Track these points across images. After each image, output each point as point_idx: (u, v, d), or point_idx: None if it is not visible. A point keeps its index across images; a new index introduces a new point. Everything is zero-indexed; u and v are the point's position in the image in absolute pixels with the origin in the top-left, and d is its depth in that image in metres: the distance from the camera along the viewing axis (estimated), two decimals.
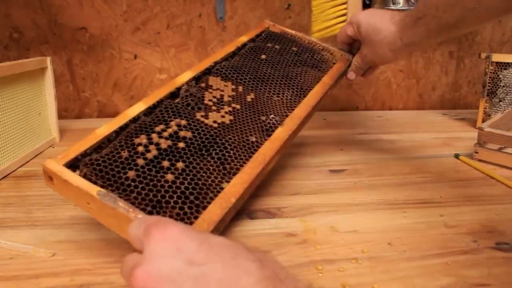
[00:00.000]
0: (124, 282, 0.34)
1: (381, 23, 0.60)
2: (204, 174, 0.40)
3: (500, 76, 0.84)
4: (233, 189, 0.39)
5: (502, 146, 0.66)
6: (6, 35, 0.87)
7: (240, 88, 0.53)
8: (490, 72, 0.84)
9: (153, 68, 0.93)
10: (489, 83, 0.85)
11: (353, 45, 0.68)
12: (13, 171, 0.59)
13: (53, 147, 0.71)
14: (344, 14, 0.72)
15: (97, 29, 0.89)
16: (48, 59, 0.69)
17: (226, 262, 0.24)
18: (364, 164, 0.64)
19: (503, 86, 0.84)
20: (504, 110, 0.84)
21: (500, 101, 0.85)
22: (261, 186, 0.55)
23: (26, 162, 0.63)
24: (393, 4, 0.76)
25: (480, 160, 0.65)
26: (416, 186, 0.56)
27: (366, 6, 0.75)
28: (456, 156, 0.67)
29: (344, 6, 0.72)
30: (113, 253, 0.39)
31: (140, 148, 0.40)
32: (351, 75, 0.67)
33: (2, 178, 0.57)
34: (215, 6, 0.90)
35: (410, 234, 0.43)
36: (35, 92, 0.67)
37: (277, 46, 0.64)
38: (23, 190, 0.54)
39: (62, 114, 0.91)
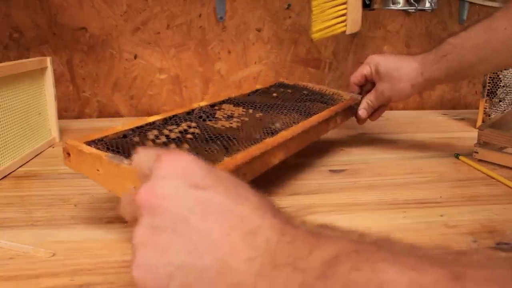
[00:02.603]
0: (124, 282, 0.34)
1: (402, 61, 0.63)
2: (206, 152, 0.43)
3: (500, 76, 0.84)
4: (232, 161, 0.42)
5: (502, 146, 0.66)
6: (6, 35, 0.87)
7: (250, 111, 0.57)
8: (490, 72, 0.84)
9: (153, 68, 0.93)
10: (489, 83, 0.85)
11: (364, 87, 0.70)
12: (13, 171, 0.59)
13: (53, 147, 0.71)
14: (344, 14, 0.72)
15: (97, 29, 0.89)
16: (48, 59, 0.69)
17: (229, 189, 0.25)
18: (364, 164, 0.64)
19: (503, 86, 0.84)
20: (504, 110, 0.84)
21: (500, 101, 0.85)
22: (261, 186, 0.55)
23: (26, 162, 0.63)
24: (393, 4, 0.76)
25: (480, 160, 0.65)
26: (416, 186, 0.56)
27: (366, 6, 0.75)
28: (456, 156, 0.67)
29: (344, 6, 0.72)
30: (113, 253, 0.39)
31: (151, 136, 0.45)
32: (362, 112, 0.68)
33: (2, 178, 0.57)
34: (215, 6, 0.90)
35: (410, 234, 0.43)
36: (35, 92, 0.67)
37: (289, 90, 0.70)
38: (23, 190, 0.54)
39: (62, 114, 0.91)
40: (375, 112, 0.70)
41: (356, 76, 0.69)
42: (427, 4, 0.75)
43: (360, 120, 0.70)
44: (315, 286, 0.20)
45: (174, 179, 0.25)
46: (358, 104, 0.69)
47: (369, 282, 0.18)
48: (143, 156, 0.29)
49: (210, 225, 0.23)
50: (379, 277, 0.18)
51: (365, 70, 0.68)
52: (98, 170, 0.39)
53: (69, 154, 0.44)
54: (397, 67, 0.63)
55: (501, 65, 0.60)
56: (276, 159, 0.49)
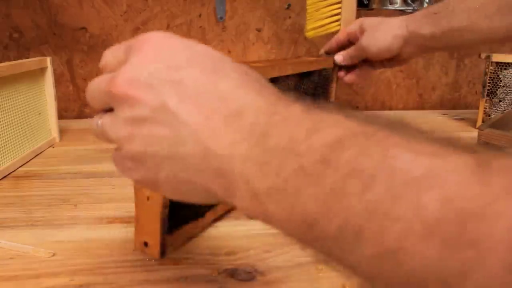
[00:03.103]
0: (124, 282, 0.34)
1: (389, 18, 0.60)
2: None
3: (500, 76, 0.84)
4: None
5: (502, 146, 0.66)
6: (6, 35, 0.87)
7: None
8: (490, 72, 0.84)
9: None
10: (489, 83, 0.85)
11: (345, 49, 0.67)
12: (13, 171, 0.59)
13: (53, 147, 0.71)
14: (338, 13, 0.72)
15: (97, 29, 0.89)
16: (48, 59, 0.69)
17: (206, 68, 0.23)
18: None
19: (503, 86, 0.84)
20: (504, 110, 0.84)
21: (500, 101, 0.85)
22: None
23: (26, 162, 0.63)
24: (390, 4, 0.76)
25: None
26: None
27: (363, 5, 0.75)
28: None
29: (339, 5, 0.72)
30: (113, 253, 0.39)
31: None
32: (338, 57, 0.64)
33: (2, 178, 0.57)
34: (215, 6, 0.90)
35: None
36: (35, 92, 0.67)
37: None
38: (23, 190, 0.54)
39: (62, 114, 0.91)
40: (358, 71, 0.65)
41: (338, 37, 0.65)
42: (424, 5, 0.75)
43: (339, 69, 0.64)
44: (313, 173, 0.17)
45: (148, 64, 0.23)
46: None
47: (378, 170, 0.16)
48: (114, 48, 0.27)
49: (189, 109, 0.21)
50: (391, 164, 0.15)
51: (349, 28, 0.64)
52: None
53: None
54: (383, 21, 0.60)
55: (488, 40, 0.57)
56: None
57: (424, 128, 0.18)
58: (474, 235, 0.13)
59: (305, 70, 0.58)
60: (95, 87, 0.25)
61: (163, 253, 0.37)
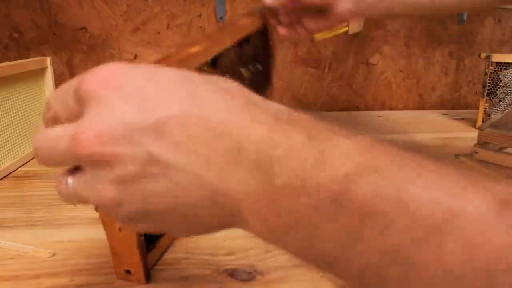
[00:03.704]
0: (125, 282, 0.34)
1: None
2: None
3: (500, 76, 0.84)
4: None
5: (502, 146, 0.66)
6: (6, 35, 0.87)
7: None
8: (490, 72, 0.84)
9: None
10: (489, 83, 0.85)
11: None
12: (13, 171, 0.59)
13: None
14: None
15: (97, 29, 0.89)
16: (48, 59, 0.69)
17: (183, 100, 0.19)
18: None
19: (503, 86, 0.84)
20: (504, 110, 0.84)
21: (500, 101, 0.85)
22: None
23: (26, 162, 0.63)
24: None
25: (480, 160, 0.65)
26: None
27: None
28: (456, 156, 0.67)
29: None
30: None
31: None
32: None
33: (2, 178, 0.57)
34: (215, 6, 0.90)
35: None
36: (35, 92, 0.67)
37: None
38: (23, 190, 0.54)
39: None
40: (294, 29, 0.57)
41: None
42: None
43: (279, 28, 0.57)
44: (327, 212, 0.16)
45: (114, 111, 0.19)
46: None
47: (397, 214, 0.15)
48: (59, 94, 0.23)
49: (184, 155, 0.18)
50: (409, 208, 0.15)
51: None
52: None
53: None
54: None
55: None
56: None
57: (433, 155, 0.17)
58: None
59: (244, 36, 0.52)
60: (50, 146, 0.21)
61: (148, 278, 0.35)
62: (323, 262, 0.17)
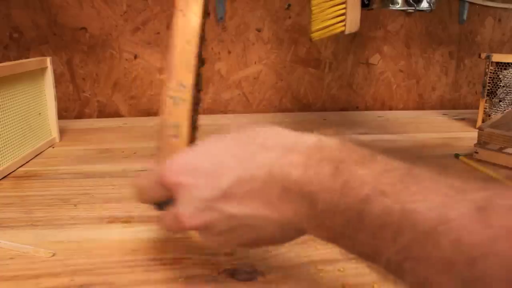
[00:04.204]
0: (125, 282, 0.34)
1: None
2: None
3: (500, 76, 0.84)
4: None
5: (502, 146, 0.66)
6: (6, 35, 0.87)
7: None
8: (490, 72, 0.84)
9: (153, 68, 0.93)
10: (489, 83, 0.85)
11: None
12: (13, 171, 0.59)
13: (53, 147, 0.71)
14: (343, 14, 0.72)
15: (97, 29, 0.89)
16: (48, 59, 0.69)
17: (236, 168, 0.27)
18: None
19: (503, 86, 0.84)
20: (504, 110, 0.84)
21: (500, 101, 0.85)
22: None
23: (26, 162, 0.63)
24: (391, 4, 0.76)
25: (480, 160, 0.65)
26: None
27: (364, 6, 0.75)
28: (456, 156, 0.67)
29: (343, 5, 0.72)
30: (113, 253, 0.39)
31: None
32: None
33: (2, 178, 0.57)
34: (215, 6, 0.90)
35: None
36: (35, 92, 0.67)
37: None
38: (23, 190, 0.54)
39: (62, 114, 0.91)
40: None
41: None
42: (426, 5, 0.75)
43: None
44: (357, 225, 0.22)
45: (192, 191, 0.27)
46: None
47: (403, 223, 0.20)
48: (146, 191, 0.32)
49: (250, 206, 0.26)
50: (411, 218, 0.20)
51: None
52: None
53: None
54: None
55: None
56: None
57: (433, 155, 0.22)
58: (481, 273, 0.17)
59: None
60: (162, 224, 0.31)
61: None
62: (364, 258, 0.24)
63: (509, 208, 0.18)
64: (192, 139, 0.36)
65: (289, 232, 0.27)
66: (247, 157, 0.27)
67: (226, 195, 0.26)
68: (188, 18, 0.37)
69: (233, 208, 0.26)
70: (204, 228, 0.28)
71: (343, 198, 0.23)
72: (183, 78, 0.36)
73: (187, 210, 0.27)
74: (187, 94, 0.35)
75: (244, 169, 0.26)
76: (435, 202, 0.20)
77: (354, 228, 0.23)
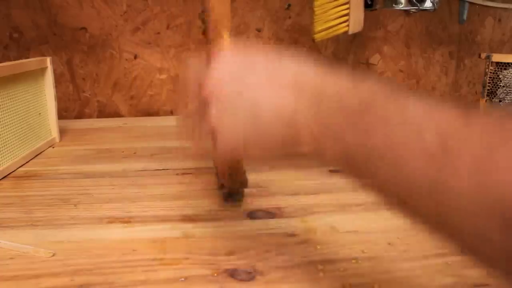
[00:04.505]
0: (125, 282, 0.34)
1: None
2: None
3: (500, 76, 0.84)
4: None
5: None
6: (6, 35, 0.87)
7: None
8: (490, 72, 0.84)
9: (153, 68, 0.93)
10: (489, 83, 0.85)
11: None
12: (13, 171, 0.59)
13: (53, 147, 0.71)
14: (346, 14, 0.72)
15: (97, 29, 0.89)
16: (48, 59, 0.69)
17: (269, 66, 0.31)
18: None
19: (503, 86, 0.84)
20: None
21: (500, 101, 0.85)
22: (261, 186, 0.55)
23: (26, 162, 0.63)
24: (394, 4, 0.76)
25: None
26: None
27: (367, 6, 0.75)
28: None
29: (347, 6, 0.72)
30: (113, 253, 0.39)
31: None
32: None
33: (2, 178, 0.57)
34: None
35: (410, 234, 0.43)
36: (35, 92, 0.67)
37: None
38: (23, 190, 0.54)
39: (62, 114, 0.91)
40: None
41: None
42: (429, 4, 0.75)
43: None
44: (361, 118, 0.25)
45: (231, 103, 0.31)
46: None
47: (394, 118, 0.23)
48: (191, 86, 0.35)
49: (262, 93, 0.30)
50: (403, 113, 0.23)
51: None
52: None
53: None
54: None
55: None
56: None
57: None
58: (451, 156, 0.20)
59: None
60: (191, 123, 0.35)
61: None
62: (346, 158, 0.27)
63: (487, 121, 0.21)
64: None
65: (283, 128, 0.29)
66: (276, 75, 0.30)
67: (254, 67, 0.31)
68: None
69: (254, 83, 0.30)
70: (221, 105, 0.31)
71: (354, 93, 0.26)
72: None
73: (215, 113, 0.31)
74: None
75: (273, 60, 0.31)
76: (426, 106, 0.23)
77: (349, 121, 0.25)
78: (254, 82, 0.30)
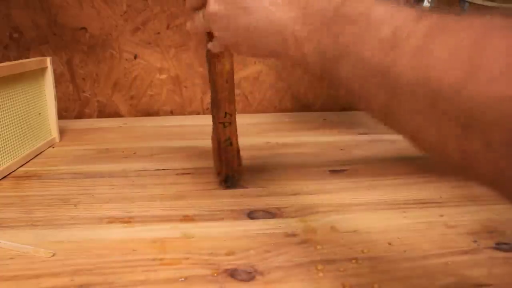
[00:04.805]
0: (125, 282, 0.34)
1: None
2: None
3: None
4: None
5: None
6: (6, 35, 0.87)
7: None
8: None
9: (153, 68, 0.93)
10: None
11: None
12: (13, 171, 0.59)
13: (53, 147, 0.71)
14: None
15: (97, 29, 0.89)
16: (48, 59, 0.69)
17: None
18: (364, 164, 0.64)
19: None
20: None
21: None
22: (262, 185, 0.55)
23: (26, 162, 0.63)
24: None
25: None
26: (416, 186, 0.56)
27: None
28: None
29: None
30: (113, 253, 0.39)
31: None
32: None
33: (2, 178, 0.57)
34: None
35: (410, 234, 0.43)
36: (35, 92, 0.67)
37: None
38: (23, 190, 0.54)
39: (62, 114, 0.91)
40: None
41: None
42: (426, 4, 0.75)
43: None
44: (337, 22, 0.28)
45: None
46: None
47: (360, 17, 0.26)
48: None
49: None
50: (367, 13, 0.26)
51: None
52: None
53: None
54: None
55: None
56: None
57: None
58: (398, 43, 0.23)
59: None
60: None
61: None
62: (327, 63, 0.30)
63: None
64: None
65: (273, 36, 0.33)
66: None
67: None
68: (223, 64, 0.49)
69: None
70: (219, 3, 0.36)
71: (330, 1, 0.29)
72: (228, 109, 0.51)
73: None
74: (232, 119, 0.51)
75: None
76: (390, 8, 0.25)
77: (324, 24, 0.29)
78: None
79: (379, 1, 0.26)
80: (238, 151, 0.54)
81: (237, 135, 0.53)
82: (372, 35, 0.25)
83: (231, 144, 0.52)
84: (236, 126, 0.52)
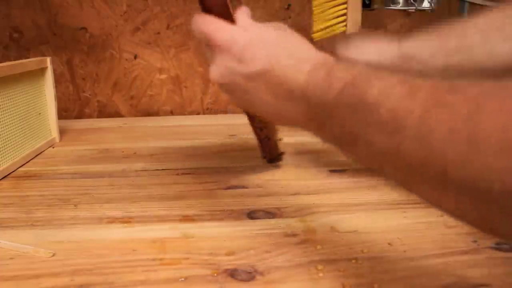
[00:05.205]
0: (125, 282, 0.34)
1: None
2: None
3: None
4: None
5: None
6: (6, 35, 0.87)
7: None
8: None
9: (153, 68, 0.93)
10: None
11: None
12: (13, 171, 0.59)
13: (53, 147, 0.71)
14: (344, 14, 0.72)
15: (97, 29, 0.89)
16: (48, 59, 0.69)
17: (267, 59, 0.35)
18: None
19: None
20: None
21: None
22: (262, 185, 0.55)
23: (26, 162, 0.63)
24: (392, 4, 0.76)
25: None
26: None
27: (365, 5, 0.75)
28: None
29: (344, 6, 0.72)
30: (113, 253, 0.39)
31: None
32: None
33: (2, 178, 0.57)
34: None
35: (410, 234, 0.43)
36: (35, 92, 0.67)
37: None
38: (23, 190, 0.54)
39: (62, 114, 0.91)
40: None
41: None
42: (427, 4, 0.75)
43: None
44: (330, 84, 0.30)
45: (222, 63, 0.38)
46: None
47: (360, 103, 0.27)
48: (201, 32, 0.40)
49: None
50: (365, 101, 0.26)
51: None
52: None
53: None
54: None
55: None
56: None
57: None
58: (400, 122, 0.24)
59: None
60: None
61: None
62: (338, 142, 0.32)
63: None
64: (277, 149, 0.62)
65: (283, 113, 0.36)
66: (275, 55, 0.35)
67: (250, 78, 0.35)
68: None
69: (248, 87, 0.35)
70: (224, 87, 0.38)
71: (328, 93, 0.30)
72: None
73: (217, 71, 0.37)
74: (265, 124, 0.57)
75: (270, 64, 0.34)
76: (384, 81, 0.26)
77: (330, 115, 0.30)
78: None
79: (374, 76, 0.27)
80: (276, 144, 0.62)
81: (275, 132, 0.60)
82: (374, 120, 0.25)
83: (269, 139, 0.60)
84: (273, 127, 0.59)
